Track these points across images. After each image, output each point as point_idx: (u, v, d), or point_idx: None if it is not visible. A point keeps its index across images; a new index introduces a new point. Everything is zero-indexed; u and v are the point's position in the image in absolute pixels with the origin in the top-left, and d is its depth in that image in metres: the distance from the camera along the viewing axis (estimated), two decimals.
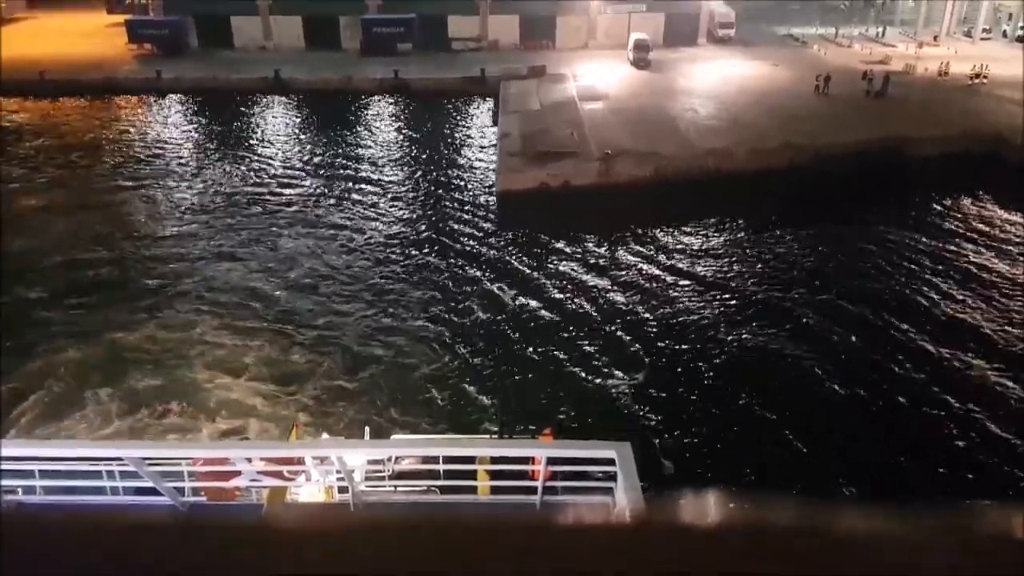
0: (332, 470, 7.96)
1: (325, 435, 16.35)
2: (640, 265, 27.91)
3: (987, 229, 30.93)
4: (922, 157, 34.82)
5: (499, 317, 24.60)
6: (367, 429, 15.25)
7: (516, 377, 21.34)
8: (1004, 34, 63.88)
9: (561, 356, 22.34)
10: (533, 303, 25.38)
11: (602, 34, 61.80)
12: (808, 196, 31.63)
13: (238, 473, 7.36)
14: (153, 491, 7.01)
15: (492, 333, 23.73)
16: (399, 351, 22.57)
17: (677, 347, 22.96)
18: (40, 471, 7.35)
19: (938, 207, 33.09)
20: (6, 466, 6.73)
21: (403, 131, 46.17)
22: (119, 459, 7.02)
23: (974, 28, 63.73)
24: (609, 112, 42.67)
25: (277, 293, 26.19)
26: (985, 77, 47.43)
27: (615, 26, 61.11)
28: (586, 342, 23.04)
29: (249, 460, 7.36)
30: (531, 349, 22.76)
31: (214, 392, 20.63)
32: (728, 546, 0.86)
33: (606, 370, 21.67)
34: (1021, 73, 46.16)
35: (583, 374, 21.50)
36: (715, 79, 50.18)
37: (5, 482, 7.19)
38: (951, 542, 0.85)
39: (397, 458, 11.06)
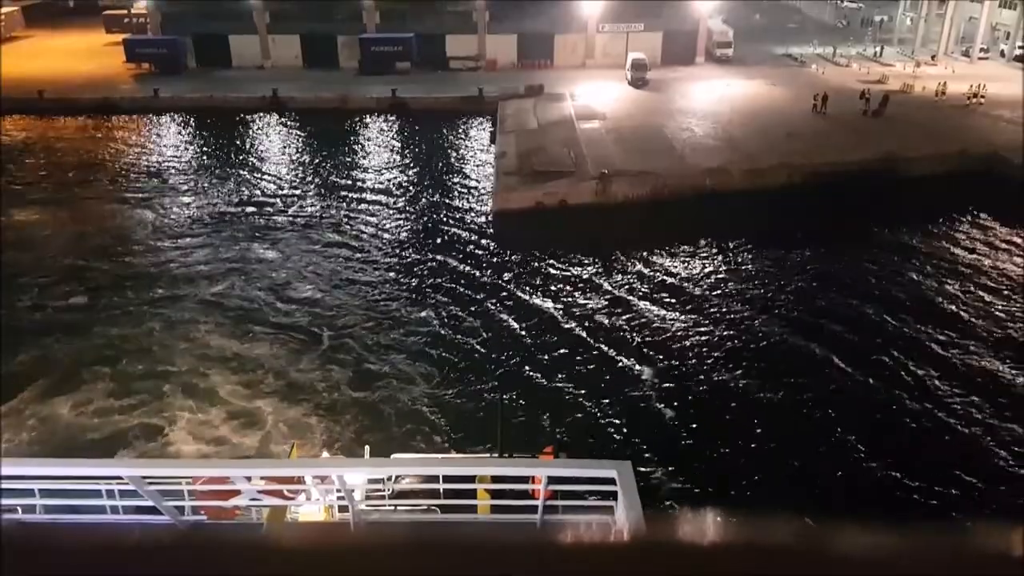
0: (332, 489, 7.96)
1: (325, 454, 16.47)
2: (636, 284, 27.70)
3: (985, 248, 30.75)
4: (919, 177, 34.68)
5: (494, 336, 24.38)
6: (367, 448, 15.24)
7: (515, 395, 21.11)
8: (1002, 53, 63.96)
9: (558, 374, 22.15)
10: (528, 322, 25.16)
11: (600, 53, 61.94)
12: (805, 216, 31.46)
13: (238, 492, 7.30)
14: (153, 510, 6.96)
15: (487, 351, 23.52)
16: (393, 367, 22.47)
17: (674, 364, 22.76)
18: (40, 490, 7.32)
19: (935, 226, 32.87)
20: (6, 485, 6.66)
21: (400, 150, 46.14)
22: (119, 478, 6.98)
23: (972, 47, 63.84)
24: (606, 131, 42.61)
25: (272, 306, 26.39)
26: (982, 97, 47.38)
27: (613, 45, 61.26)
28: (582, 361, 22.83)
29: (249, 479, 7.29)
30: (526, 367, 22.57)
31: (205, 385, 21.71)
32: (728, 566, 0.85)
33: (603, 388, 21.48)
34: (1019, 93, 46.15)
35: (581, 392, 21.31)
36: (712, 98, 50.21)
37: (5, 501, 7.13)
38: (947, 560, 0.84)
39: (397, 477, 11.10)
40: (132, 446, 19.36)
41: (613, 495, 6.55)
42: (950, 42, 65.61)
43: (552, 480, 6.87)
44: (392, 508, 10.16)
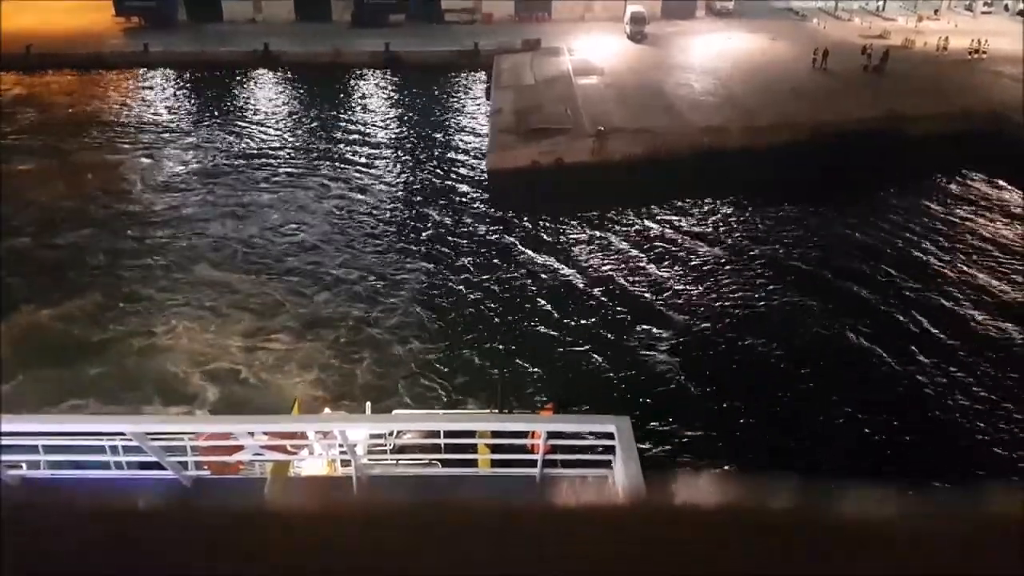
0: (335, 444, 8.08)
1: (327, 410, 16.52)
2: (632, 241, 27.56)
3: (986, 206, 30.60)
4: (920, 134, 34.33)
5: (491, 293, 24.30)
6: (368, 404, 15.29)
7: (514, 351, 21.15)
8: (1006, 8, 63.04)
9: (556, 330, 22.13)
10: (525, 279, 25.09)
11: (599, 6, 60.91)
12: (804, 174, 31.17)
13: (241, 447, 7.43)
14: (157, 465, 7.10)
15: (485, 308, 23.47)
16: (388, 321, 22.47)
17: (673, 320, 22.71)
18: (44, 446, 7.44)
19: (936, 185, 32.70)
20: (10, 441, 6.78)
21: (394, 106, 45.52)
22: (122, 434, 7.10)
23: (975, 2, 62.84)
24: (604, 87, 42.02)
25: (265, 253, 26.85)
26: (984, 52, 46.79)
27: None
28: (581, 317, 22.79)
29: (252, 434, 7.43)
30: (525, 324, 22.54)
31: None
32: (726, 525, 0.85)
33: (602, 344, 21.46)
34: (1021, 48, 45.50)
35: (580, 348, 21.30)
36: (712, 53, 49.47)
37: (9, 457, 7.28)
38: (961, 528, 0.82)
39: (399, 432, 11.17)
40: (130, 354, 20.71)
41: (612, 450, 6.72)
42: None
43: (552, 435, 6.98)
44: (394, 463, 10.26)
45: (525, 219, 29.47)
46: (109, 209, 30.55)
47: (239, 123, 41.42)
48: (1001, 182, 32.50)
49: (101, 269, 25.53)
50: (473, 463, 8.74)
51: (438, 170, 35.11)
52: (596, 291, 24.43)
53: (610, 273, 25.53)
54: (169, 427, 8.29)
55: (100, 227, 28.71)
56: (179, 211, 30.49)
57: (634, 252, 26.95)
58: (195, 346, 21.13)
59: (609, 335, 22.02)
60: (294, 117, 42.89)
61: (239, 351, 20.96)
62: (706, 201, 30.83)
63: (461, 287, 24.75)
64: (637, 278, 25.20)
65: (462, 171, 34.94)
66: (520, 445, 8.07)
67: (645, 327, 22.45)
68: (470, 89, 48.32)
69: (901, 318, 22.80)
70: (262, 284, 24.66)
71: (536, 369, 20.42)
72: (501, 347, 21.40)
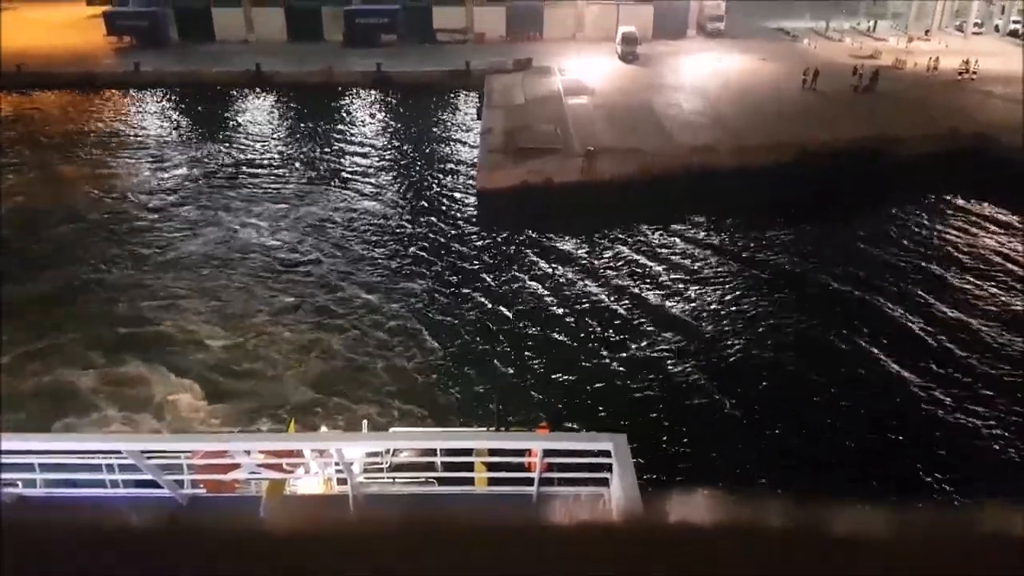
0: (331, 462, 8.13)
1: (324, 428, 16.53)
2: (621, 262, 27.39)
3: (973, 227, 30.50)
4: (910, 155, 34.27)
5: (483, 314, 24.09)
6: (365, 422, 15.26)
7: (507, 370, 20.98)
8: (996, 28, 63.45)
9: (549, 351, 21.93)
10: (515, 300, 24.88)
11: (590, 26, 61.20)
12: (793, 194, 31.06)
13: (237, 465, 7.43)
14: (153, 483, 7.09)
15: (477, 330, 23.24)
16: (382, 344, 22.25)
17: (665, 339, 22.51)
18: (40, 464, 7.42)
19: (925, 206, 32.59)
20: (6, 459, 6.79)
21: (386, 126, 45.49)
22: (118, 452, 7.08)
23: (966, 22, 63.25)
24: (594, 107, 42.02)
25: (257, 270, 26.89)
26: (974, 72, 46.96)
27: (603, 18, 60.54)
28: (572, 337, 22.60)
29: (248, 453, 7.44)
30: (518, 344, 22.33)
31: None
32: (723, 543, 0.85)
33: (596, 364, 21.29)
34: (1011, 68, 45.69)
35: (574, 368, 21.11)
36: (702, 73, 49.58)
37: (5, 475, 7.26)
38: (954, 542, 0.83)
39: (395, 450, 11.22)
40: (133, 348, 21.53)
41: (608, 467, 6.68)
42: (944, 17, 65.02)
43: (548, 453, 6.98)
44: (390, 481, 10.23)
45: (514, 238, 29.31)
46: (102, 217, 31.23)
47: (231, 141, 41.40)
48: (988, 201, 32.38)
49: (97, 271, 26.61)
50: (470, 481, 8.67)
51: (429, 189, 35.03)
52: (589, 309, 24.24)
53: (601, 291, 25.34)
54: (165, 445, 8.23)
55: (92, 235, 29.47)
56: (169, 218, 31.16)
57: (624, 270, 26.79)
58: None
59: (602, 352, 21.85)
60: (286, 136, 42.86)
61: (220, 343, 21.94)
62: (696, 220, 30.70)
63: (452, 304, 24.58)
64: (629, 296, 25.01)
65: (453, 190, 34.87)
66: (517, 463, 8.08)
67: (638, 344, 22.27)
68: (461, 109, 48.33)
69: (898, 329, 22.74)
70: (250, 288, 25.14)
71: (531, 386, 20.25)
72: (495, 364, 21.22)
